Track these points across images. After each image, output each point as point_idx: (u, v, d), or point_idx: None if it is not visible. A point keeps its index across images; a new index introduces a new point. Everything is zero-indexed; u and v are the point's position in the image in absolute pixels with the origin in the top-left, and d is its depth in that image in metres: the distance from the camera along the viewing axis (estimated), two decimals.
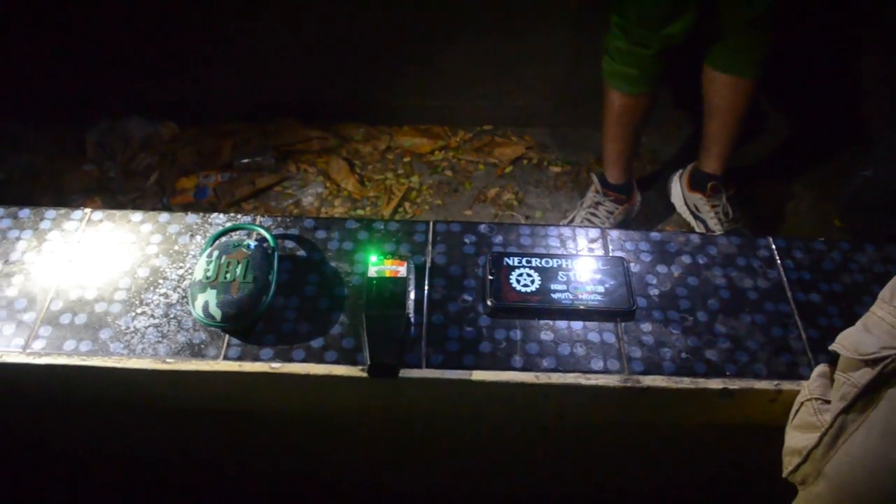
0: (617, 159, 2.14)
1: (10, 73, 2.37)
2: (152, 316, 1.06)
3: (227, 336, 1.04)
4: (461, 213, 2.31)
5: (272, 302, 1.06)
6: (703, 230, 2.17)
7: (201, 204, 2.30)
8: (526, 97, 2.52)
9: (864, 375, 0.81)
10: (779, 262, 1.16)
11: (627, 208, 2.22)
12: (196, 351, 1.02)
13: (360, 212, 2.30)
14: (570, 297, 1.07)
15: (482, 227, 1.18)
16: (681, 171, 2.27)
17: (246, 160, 2.41)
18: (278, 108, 2.54)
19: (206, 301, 1.01)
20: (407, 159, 2.47)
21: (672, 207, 2.29)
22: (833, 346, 0.89)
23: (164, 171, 2.39)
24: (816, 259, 1.16)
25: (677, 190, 2.27)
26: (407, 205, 2.33)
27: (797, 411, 0.93)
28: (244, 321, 1.02)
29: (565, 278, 1.08)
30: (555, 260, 1.11)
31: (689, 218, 2.23)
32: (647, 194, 2.31)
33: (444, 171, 2.44)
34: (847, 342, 0.86)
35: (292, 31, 2.35)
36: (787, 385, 1.01)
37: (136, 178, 2.38)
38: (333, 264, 1.13)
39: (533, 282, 1.08)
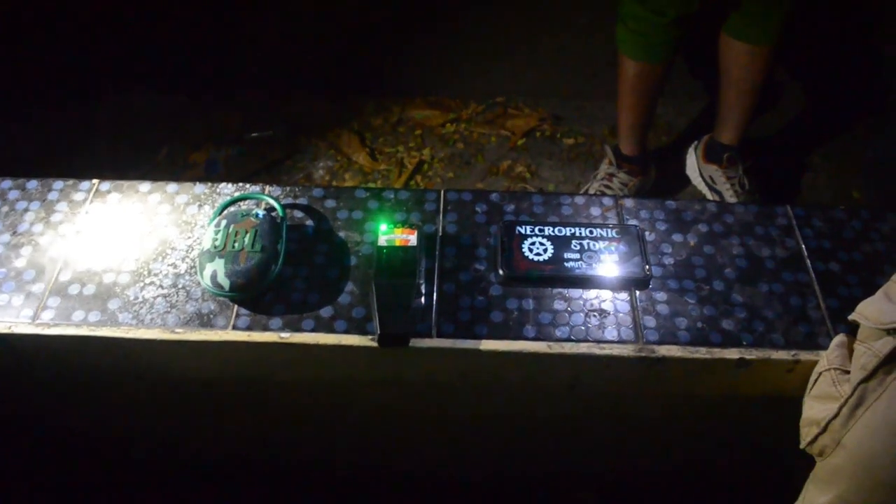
0: (631, 130, 2.11)
1: (20, 49, 2.36)
2: (161, 286, 1.05)
3: (235, 306, 1.03)
4: (473, 185, 2.28)
5: (281, 271, 1.05)
6: None
7: (212, 179, 2.28)
8: (539, 68, 2.48)
9: (886, 345, 0.80)
10: (797, 230, 1.13)
11: (642, 180, 2.19)
12: (205, 321, 1.01)
13: (371, 185, 2.28)
14: (584, 265, 1.05)
15: (494, 196, 1.16)
16: (696, 142, 2.23)
17: (256, 133, 2.40)
18: (288, 81, 2.52)
19: (215, 270, 1.00)
20: (418, 132, 2.44)
21: (687, 180, 2.26)
22: (853, 316, 0.87)
23: (175, 146, 2.37)
24: (836, 227, 1.14)
25: (693, 161, 2.23)
26: (419, 178, 2.31)
27: (815, 381, 0.92)
28: (253, 291, 1.01)
29: (578, 247, 1.07)
30: (568, 228, 1.09)
31: (705, 190, 2.20)
32: (662, 166, 2.28)
33: (456, 143, 2.41)
34: (868, 311, 0.85)
35: (303, 2, 2.32)
36: (804, 355, 0.99)
37: (146, 152, 2.37)
38: (343, 234, 1.11)
39: (546, 250, 1.06)
